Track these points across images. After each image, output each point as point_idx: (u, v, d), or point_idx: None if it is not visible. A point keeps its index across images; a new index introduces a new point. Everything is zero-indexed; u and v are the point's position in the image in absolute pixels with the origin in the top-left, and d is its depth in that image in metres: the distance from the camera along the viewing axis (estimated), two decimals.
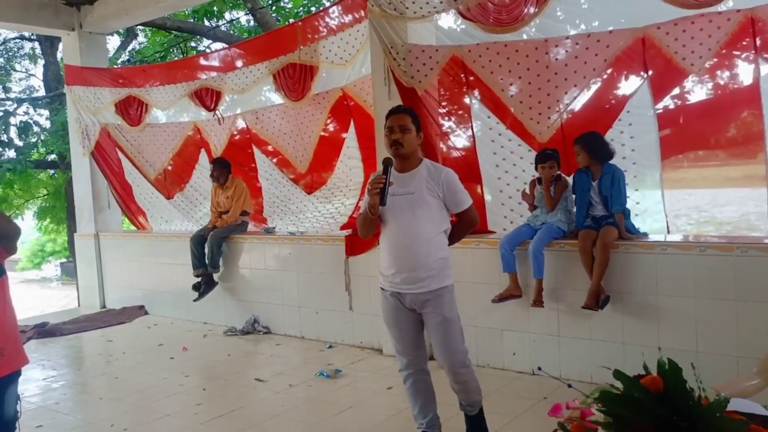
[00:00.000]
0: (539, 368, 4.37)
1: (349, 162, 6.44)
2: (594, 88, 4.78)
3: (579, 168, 4.51)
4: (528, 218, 4.76)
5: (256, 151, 7.27)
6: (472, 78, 5.12)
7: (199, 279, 6.69)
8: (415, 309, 3.26)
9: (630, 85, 4.70)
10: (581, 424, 1.18)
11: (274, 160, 7.20)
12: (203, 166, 7.78)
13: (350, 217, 6.24)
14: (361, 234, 3.40)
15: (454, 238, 3.39)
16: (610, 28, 4.62)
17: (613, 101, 4.82)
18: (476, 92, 5.22)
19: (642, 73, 4.56)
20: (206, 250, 6.61)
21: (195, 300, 6.68)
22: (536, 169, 4.65)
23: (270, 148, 7.18)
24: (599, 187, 4.36)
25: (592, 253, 4.23)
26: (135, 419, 4.30)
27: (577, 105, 4.81)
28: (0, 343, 2.83)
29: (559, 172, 4.58)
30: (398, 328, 3.32)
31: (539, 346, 4.64)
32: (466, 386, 3.32)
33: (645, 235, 4.39)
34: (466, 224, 3.40)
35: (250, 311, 6.58)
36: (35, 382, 5.28)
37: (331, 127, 6.71)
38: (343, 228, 6.18)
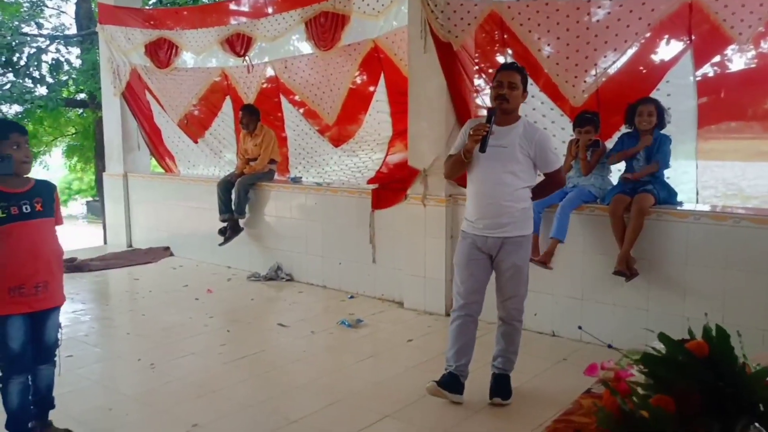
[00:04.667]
0: (579, 327, 4.40)
1: (378, 116, 6.39)
2: (633, 52, 4.65)
3: (623, 131, 4.42)
4: None
5: (284, 101, 7.20)
6: (506, 36, 5.01)
7: (225, 224, 6.78)
8: (491, 254, 3.39)
9: (670, 50, 4.56)
10: (625, 383, 1.20)
11: (301, 111, 7.13)
12: (226, 114, 7.75)
13: (377, 171, 6.23)
14: (446, 173, 3.61)
15: (538, 193, 3.53)
16: None
17: (652, 67, 4.70)
18: (509, 51, 5.11)
19: (684, 40, 4.43)
20: (233, 196, 6.68)
21: (220, 244, 6.79)
22: (573, 131, 4.58)
23: (297, 98, 7.13)
24: (647, 152, 4.29)
25: (623, 219, 4.20)
26: (161, 355, 4.43)
27: (615, 69, 4.70)
28: (46, 276, 2.95)
29: (596, 138, 4.51)
30: (468, 271, 3.45)
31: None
32: (511, 333, 3.48)
33: (679, 203, 4.34)
34: (552, 184, 3.56)
35: (273, 258, 6.68)
36: (64, 314, 5.35)
37: (359, 80, 6.63)
38: (369, 182, 6.18)
